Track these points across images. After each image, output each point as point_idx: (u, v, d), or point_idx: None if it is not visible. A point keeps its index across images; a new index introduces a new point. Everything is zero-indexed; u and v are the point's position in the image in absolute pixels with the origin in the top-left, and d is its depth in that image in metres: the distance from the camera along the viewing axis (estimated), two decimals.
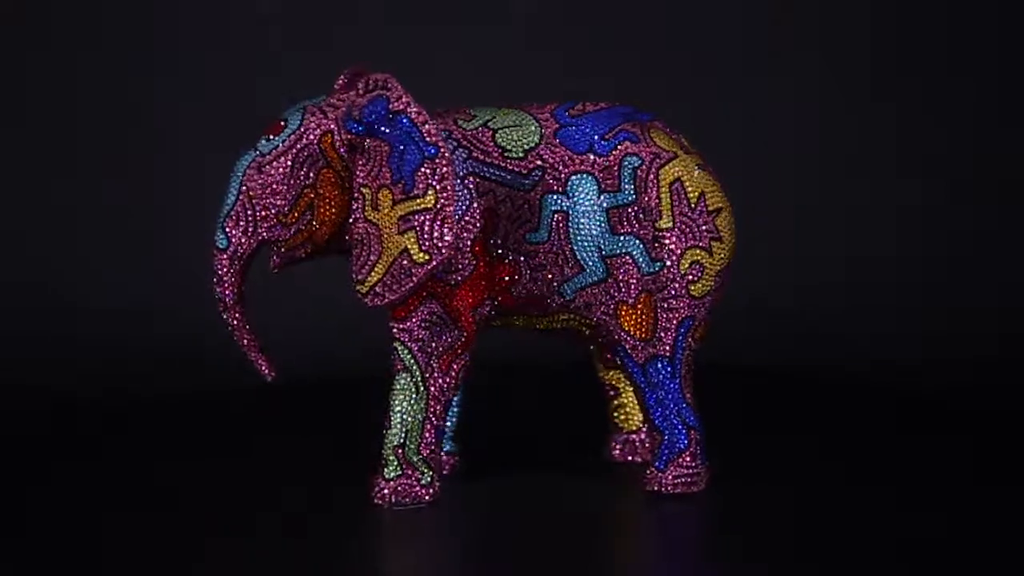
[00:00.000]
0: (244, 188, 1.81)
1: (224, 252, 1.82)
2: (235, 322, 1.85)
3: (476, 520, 1.87)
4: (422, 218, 1.78)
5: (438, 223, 1.78)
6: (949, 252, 3.12)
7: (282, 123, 1.81)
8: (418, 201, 1.79)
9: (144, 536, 1.78)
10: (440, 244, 1.78)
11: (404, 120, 1.80)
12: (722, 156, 3.18)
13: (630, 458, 2.11)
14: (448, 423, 2.00)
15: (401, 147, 1.79)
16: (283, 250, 1.84)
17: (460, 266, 1.84)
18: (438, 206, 1.78)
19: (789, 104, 3.25)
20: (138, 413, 2.47)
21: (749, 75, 3.26)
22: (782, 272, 3.07)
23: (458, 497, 1.92)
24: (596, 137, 1.91)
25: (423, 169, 1.79)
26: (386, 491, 1.85)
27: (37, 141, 3.07)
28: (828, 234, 3.17)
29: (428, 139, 1.79)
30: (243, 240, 1.82)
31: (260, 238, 1.82)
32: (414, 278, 1.79)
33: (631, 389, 2.04)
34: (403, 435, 1.84)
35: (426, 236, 1.78)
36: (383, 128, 1.80)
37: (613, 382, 2.12)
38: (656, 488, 1.93)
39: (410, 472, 1.85)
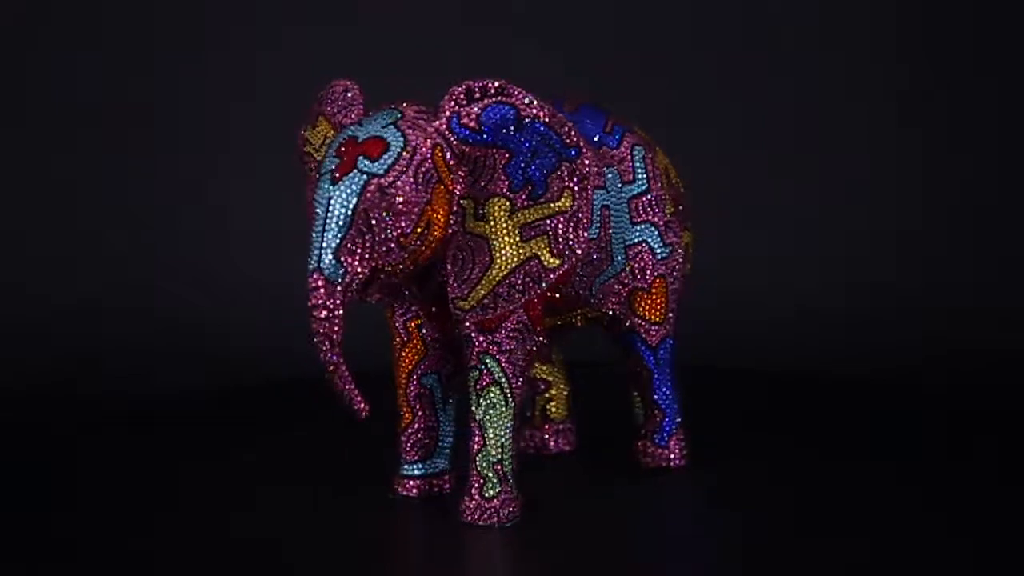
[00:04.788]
0: (363, 212, 1.64)
1: (336, 284, 1.64)
2: (338, 358, 1.66)
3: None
4: (555, 221, 1.73)
5: (572, 225, 1.73)
6: (949, 252, 3.12)
7: (382, 142, 1.66)
8: (551, 205, 1.72)
9: (144, 535, 1.78)
10: (575, 246, 1.73)
11: (538, 125, 1.72)
12: (722, 156, 3.20)
13: (566, 448, 2.16)
14: (448, 439, 1.93)
15: (530, 152, 1.72)
16: (390, 275, 1.71)
17: None
18: (573, 208, 1.73)
19: (789, 104, 3.25)
20: (138, 412, 2.47)
21: (750, 75, 3.26)
22: (783, 272, 3.07)
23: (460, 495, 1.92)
24: (600, 131, 1.95)
25: (560, 172, 1.73)
26: (491, 510, 1.78)
27: (37, 141, 3.07)
28: (828, 234, 3.17)
29: (568, 141, 1.73)
30: (359, 269, 1.66)
31: (376, 264, 1.67)
32: (544, 283, 1.73)
33: (561, 382, 2.16)
34: (500, 450, 1.78)
35: (560, 239, 1.73)
36: (509, 134, 1.72)
37: (544, 376, 2.16)
38: (664, 464, 2.03)
39: (507, 487, 1.79)
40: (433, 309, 1.85)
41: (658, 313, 1.99)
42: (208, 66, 3.14)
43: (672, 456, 2.03)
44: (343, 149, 1.67)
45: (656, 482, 2.01)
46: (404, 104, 1.73)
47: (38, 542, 1.76)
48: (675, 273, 2.00)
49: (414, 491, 1.90)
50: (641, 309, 1.99)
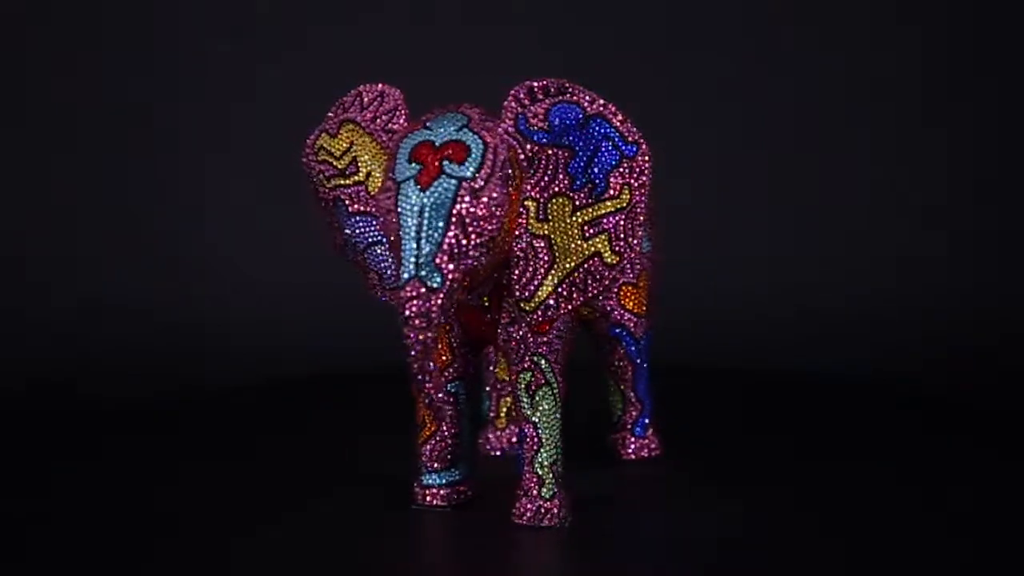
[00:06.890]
0: (457, 217, 1.61)
1: (439, 292, 1.60)
2: (434, 366, 1.66)
3: (485, 517, 1.86)
4: (615, 219, 1.72)
5: (630, 222, 1.73)
6: (949, 252, 3.12)
7: (463, 145, 1.65)
8: (611, 203, 1.72)
9: (144, 536, 1.78)
10: (633, 242, 1.73)
11: (603, 123, 1.72)
12: (722, 156, 3.20)
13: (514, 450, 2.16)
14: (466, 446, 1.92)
15: (592, 150, 1.71)
16: (473, 281, 1.67)
17: None
18: (631, 204, 1.73)
19: (789, 104, 3.25)
20: (139, 412, 2.47)
21: (750, 75, 3.26)
22: (783, 272, 3.07)
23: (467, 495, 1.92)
24: None
25: (620, 169, 1.72)
26: (552, 512, 1.78)
27: (37, 141, 3.07)
28: (828, 235, 3.17)
29: (629, 138, 1.73)
30: (458, 275, 1.62)
31: (470, 268, 1.64)
32: (605, 281, 1.74)
33: None
34: (555, 451, 1.78)
35: (619, 236, 1.73)
36: (574, 133, 1.72)
37: (507, 376, 2.13)
38: (645, 454, 2.09)
39: (560, 488, 1.79)
40: (464, 312, 1.82)
41: (643, 306, 2.05)
42: (208, 66, 3.14)
43: (652, 447, 2.09)
44: (421, 154, 1.65)
45: (654, 481, 2.01)
46: (463, 106, 1.72)
47: (38, 542, 1.76)
48: (651, 265, 2.06)
49: (443, 500, 1.87)
50: (629, 303, 2.04)
